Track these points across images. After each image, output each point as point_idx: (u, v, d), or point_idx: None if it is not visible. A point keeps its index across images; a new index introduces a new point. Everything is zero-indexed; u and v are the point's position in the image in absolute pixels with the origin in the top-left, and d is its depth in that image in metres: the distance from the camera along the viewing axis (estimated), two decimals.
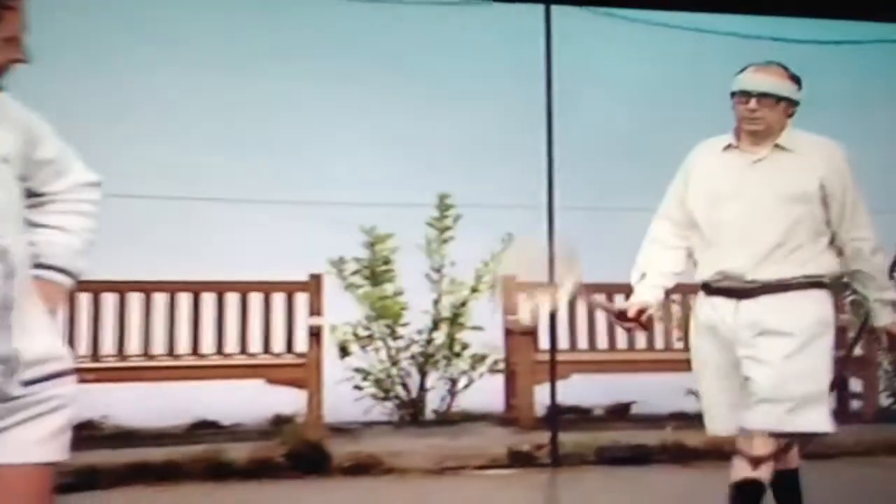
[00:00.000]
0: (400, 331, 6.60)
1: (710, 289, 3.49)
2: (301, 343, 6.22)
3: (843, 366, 6.34)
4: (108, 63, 6.30)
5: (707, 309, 3.49)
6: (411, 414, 6.61)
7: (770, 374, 3.29)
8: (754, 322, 3.35)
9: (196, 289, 6.21)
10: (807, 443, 3.54)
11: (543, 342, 6.33)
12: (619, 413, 6.89)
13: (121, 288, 6.03)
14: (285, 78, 6.58)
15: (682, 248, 3.56)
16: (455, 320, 6.65)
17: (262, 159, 6.56)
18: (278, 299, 6.35)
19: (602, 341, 6.74)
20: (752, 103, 3.37)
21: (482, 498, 5.13)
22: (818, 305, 3.41)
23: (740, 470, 3.38)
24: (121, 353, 6.05)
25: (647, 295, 3.51)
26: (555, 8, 5.94)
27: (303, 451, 5.52)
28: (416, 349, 6.62)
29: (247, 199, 6.34)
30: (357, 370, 6.53)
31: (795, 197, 3.38)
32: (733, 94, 3.42)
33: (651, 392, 6.50)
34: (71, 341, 5.64)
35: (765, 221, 3.38)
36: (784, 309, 3.34)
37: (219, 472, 5.33)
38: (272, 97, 6.61)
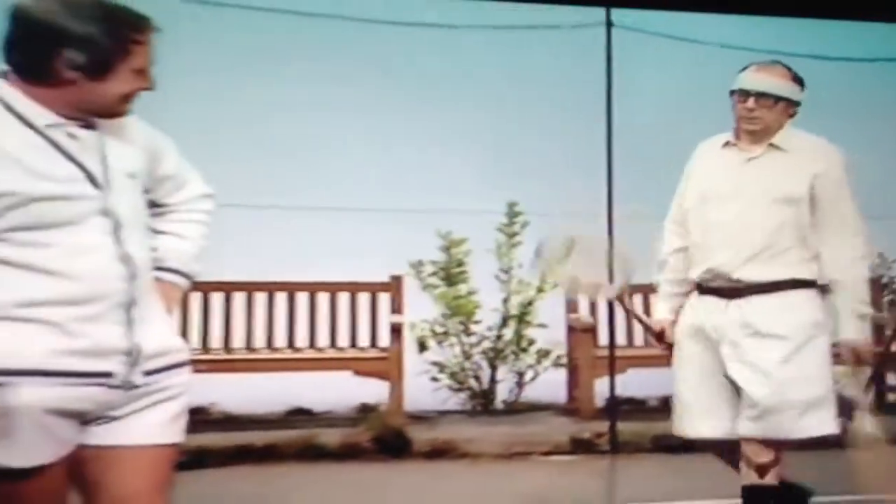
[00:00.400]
0: (473, 328, 6.55)
1: (701, 288, 3.20)
2: (384, 338, 6.22)
3: (881, 362, 6.13)
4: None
5: (695, 308, 3.21)
6: (483, 404, 6.56)
7: (767, 382, 3.02)
8: (745, 322, 3.07)
9: (291, 289, 6.26)
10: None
11: (603, 339, 6.26)
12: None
13: (226, 288, 6.09)
14: (376, 102, 6.62)
15: (684, 248, 3.28)
16: (522, 318, 6.59)
17: (349, 171, 6.61)
18: (363, 299, 6.37)
19: None
20: (751, 102, 3.09)
21: (547, 481, 5.07)
22: (810, 307, 3.10)
23: (748, 476, 3.17)
24: (227, 346, 6.12)
25: (664, 312, 3.32)
26: (614, 30, 5.89)
27: (386, 437, 5.53)
28: (487, 345, 6.57)
29: (336, 207, 6.38)
30: (434, 363, 6.49)
31: (783, 197, 3.07)
32: (732, 93, 3.15)
33: None
34: (184, 335, 5.72)
35: (752, 221, 3.08)
36: (775, 311, 3.06)
37: (312, 454, 5.37)
38: (367, 119, 6.65)
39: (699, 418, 3.18)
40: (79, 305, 1.96)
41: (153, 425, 2.09)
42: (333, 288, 6.32)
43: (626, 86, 5.92)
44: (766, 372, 3.03)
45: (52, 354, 1.95)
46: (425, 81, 6.71)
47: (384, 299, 6.35)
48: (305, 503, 4.54)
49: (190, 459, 4.56)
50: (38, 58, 1.95)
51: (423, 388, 6.30)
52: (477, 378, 6.58)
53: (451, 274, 6.57)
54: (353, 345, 6.32)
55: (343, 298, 6.34)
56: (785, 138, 3.14)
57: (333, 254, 6.32)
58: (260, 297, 6.21)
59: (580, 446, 5.67)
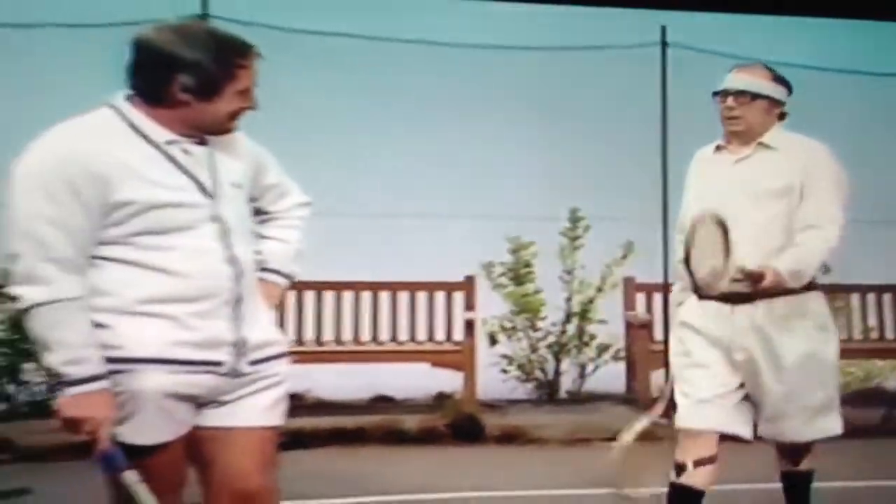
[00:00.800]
0: (539, 323, 6.50)
1: (702, 292, 2.88)
2: (458, 333, 6.20)
3: None
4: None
5: (697, 313, 2.91)
6: (548, 393, 6.51)
7: (780, 389, 2.81)
8: (755, 329, 2.81)
9: (375, 288, 6.27)
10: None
11: (658, 334, 6.15)
12: None
13: (318, 287, 6.13)
14: (452, 120, 6.67)
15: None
16: (584, 315, 6.52)
17: (428, 181, 6.65)
18: (440, 297, 6.35)
19: None
20: (730, 101, 2.87)
21: (608, 464, 4.99)
22: (817, 311, 2.87)
23: (783, 465, 3.03)
24: (318, 339, 6.16)
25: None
26: (669, 49, 5.82)
27: (461, 423, 5.50)
28: (551, 339, 6.52)
29: (415, 214, 6.42)
30: (503, 356, 6.46)
31: (773, 191, 2.81)
32: (715, 95, 2.93)
33: None
34: (280, 329, 5.76)
35: (743, 216, 2.78)
36: (785, 317, 2.80)
37: (395, 437, 5.37)
38: (444, 134, 6.70)
39: (705, 410, 2.88)
40: (193, 302, 2.00)
41: (259, 409, 2.11)
42: (413, 287, 6.33)
43: (680, 100, 5.83)
44: (778, 379, 2.83)
45: (170, 345, 1.98)
46: (496, 100, 6.71)
47: (459, 297, 6.33)
48: (389, 481, 4.54)
49: (289, 440, 4.61)
50: (156, 83, 1.99)
51: (493, 379, 6.27)
52: (543, 370, 6.52)
53: (519, 274, 6.52)
54: (431, 339, 6.31)
55: (421, 297, 6.34)
56: (774, 138, 2.91)
57: (413, 256, 6.36)
58: (347, 296, 6.24)
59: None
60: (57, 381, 1.95)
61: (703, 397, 2.88)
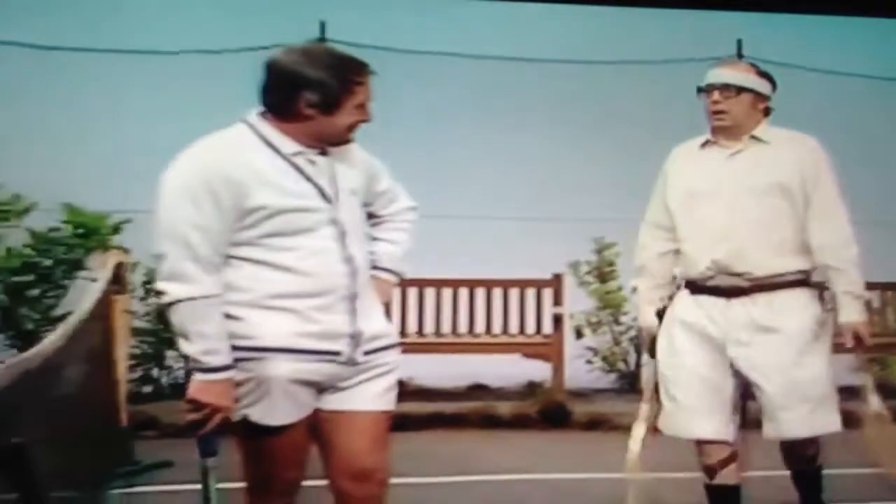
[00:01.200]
0: (621, 318, 6.37)
1: (696, 287, 2.66)
2: (547, 326, 6.13)
3: None
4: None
5: (690, 307, 2.66)
6: (630, 383, 6.35)
7: (779, 381, 2.58)
8: (752, 322, 2.58)
9: (472, 285, 6.24)
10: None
11: None
12: None
13: (421, 284, 6.14)
14: (544, 134, 6.64)
15: (670, 251, 2.77)
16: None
17: (524, 189, 6.64)
18: (530, 293, 6.28)
19: None
20: (715, 95, 2.63)
21: (684, 450, 4.82)
22: (812, 305, 2.63)
23: (790, 465, 2.85)
24: (420, 331, 6.17)
25: (649, 318, 2.82)
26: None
27: (550, 409, 5.43)
28: (633, 333, 6.36)
29: (511, 217, 6.41)
30: (589, 348, 6.36)
31: (773, 187, 2.58)
32: (699, 91, 2.69)
33: None
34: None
35: (745, 212, 2.57)
36: (783, 310, 2.58)
37: (489, 422, 5.33)
38: (537, 147, 6.67)
39: (693, 419, 2.69)
40: (314, 297, 2.01)
41: (372, 395, 2.12)
42: (506, 284, 6.27)
43: None
44: (778, 371, 2.60)
45: (295, 336, 2.00)
46: (583, 114, 6.64)
47: (548, 294, 6.24)
48: (484, 462, 4.51)
49: (394, 424, 4.62)
50: (284, 100, 2.01)
51: (579, 369, 6.19)
52: (625, 361, 6.40)
53: (603, 272, 6.42)
54: (522, 332, 6.25)
55: (514, 293, 6.28)
56: (765, 132, 2.67)
57: (506, 255, 6.35)
58: (447, 292, 6.23)
59: None
60: (193, 368, 1.99)
61: (690, 404, 2.68)
